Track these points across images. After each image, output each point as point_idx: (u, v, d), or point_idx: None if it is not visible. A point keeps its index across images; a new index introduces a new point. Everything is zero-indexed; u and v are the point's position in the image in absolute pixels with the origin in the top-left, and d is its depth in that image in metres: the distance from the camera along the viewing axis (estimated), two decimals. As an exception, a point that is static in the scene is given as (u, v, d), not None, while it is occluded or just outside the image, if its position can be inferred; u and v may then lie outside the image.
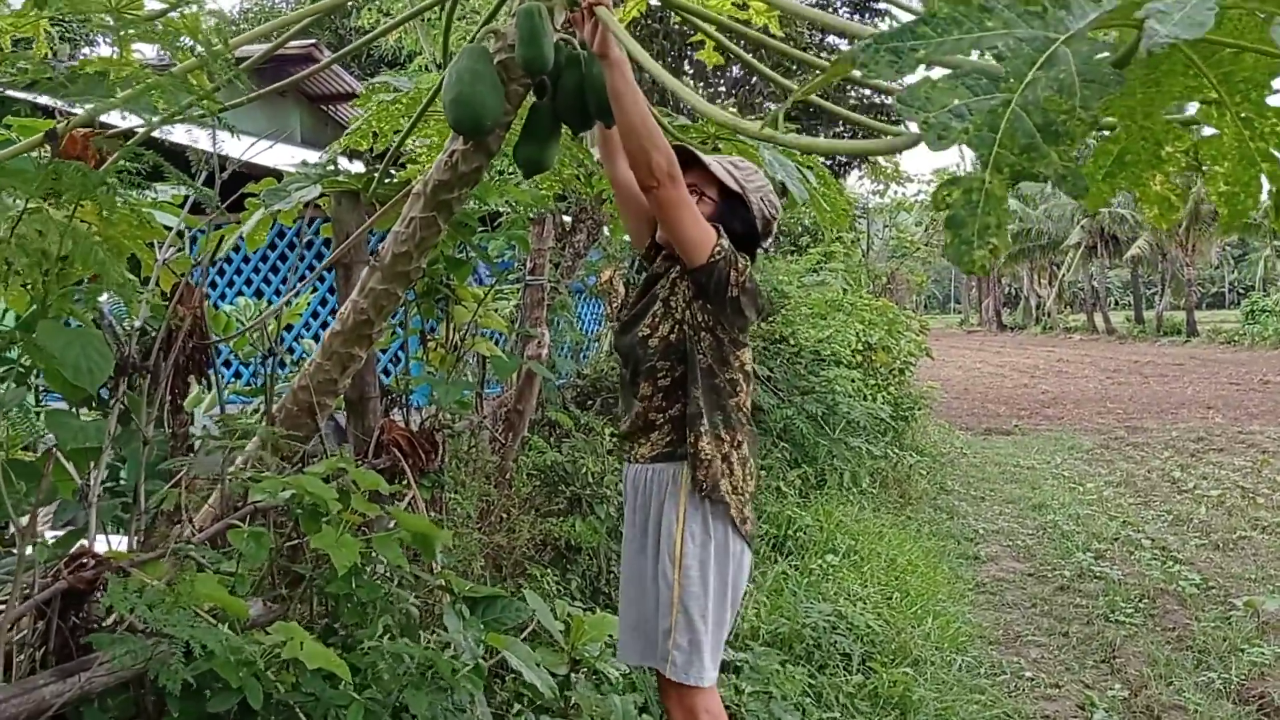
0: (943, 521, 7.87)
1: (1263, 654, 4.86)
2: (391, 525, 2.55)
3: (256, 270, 7.15)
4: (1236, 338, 33.75)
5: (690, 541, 2.41)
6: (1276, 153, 1.25)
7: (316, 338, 6.17)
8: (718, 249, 2.37)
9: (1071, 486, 9.50)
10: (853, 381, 8.41)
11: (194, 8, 2.59)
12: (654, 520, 2.48)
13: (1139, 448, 11.90)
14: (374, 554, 2.40)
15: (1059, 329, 45.04)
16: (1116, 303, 54.46)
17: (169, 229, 2.74)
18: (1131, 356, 29.93)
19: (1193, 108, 1.44)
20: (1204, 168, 1.33)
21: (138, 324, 2.33)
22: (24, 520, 1.99)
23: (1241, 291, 52.14)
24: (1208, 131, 1.33)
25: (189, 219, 2.84)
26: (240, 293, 7.01)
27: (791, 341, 7.64)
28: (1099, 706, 4.32)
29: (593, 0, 2.05)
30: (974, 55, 1.08)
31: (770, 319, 7.04)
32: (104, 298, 2.32)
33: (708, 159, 2.50)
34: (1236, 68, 1.23)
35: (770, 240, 2.73)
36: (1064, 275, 45.19)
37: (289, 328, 6.02)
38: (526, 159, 2.36)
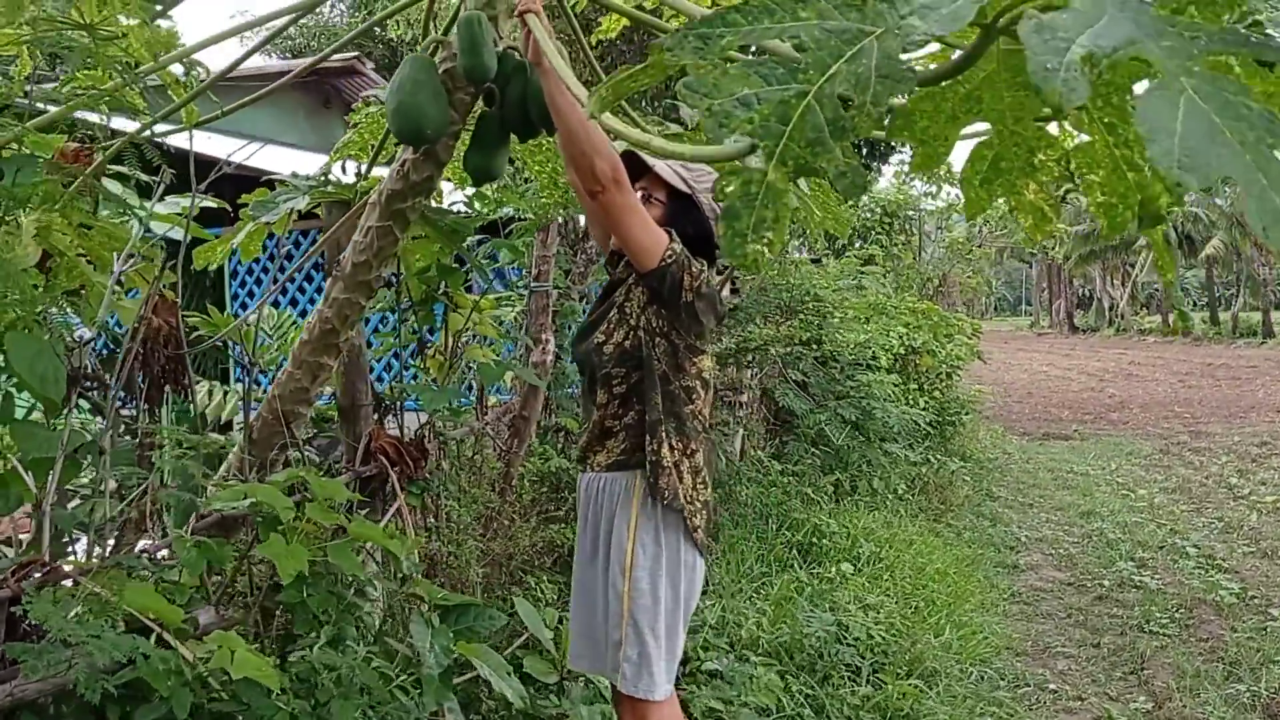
0: (984, 529, 7.70)
1: (1297, 667, 4.68)
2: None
3: (293, 279, 7.26)
4: (1317, 338, 32.63)
5: (641, 553, 2.38)
6: (1141, 161, 1.19)
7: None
8: (669, 253, 2.34)
9: (1124, 493, 9.24)
10: (892, 386, 8.28)
11: (166, 24, 2.64)
12: (605, 529, 2.45)
13: (1200, 453, 11.55)
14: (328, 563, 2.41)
15: (1132, 331, 43.95)
16: (1194, 303, 52.92)
17: (147, 235, 2.79)
18: (1205, 359, 29.06)
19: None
20: (1077, 177, 1.26)
21: (87, 334, 2.36)
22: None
23: (1326, 290, 50.37)
24: (1082, 138, 1.27)
25: (194, 229, 2.90)
26: (276, 302, 7.13)
27: (826, 344, 7.54)
28: (1117, 719, 4.19)
29: (523, 8, 2.04)
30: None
31: (792, 320, 6.95)
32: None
33: (654, 161, 2.47)
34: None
35: None
36: (1137, 276, 44.09)
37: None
38: (475, 168, 2.36)
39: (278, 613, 2.51)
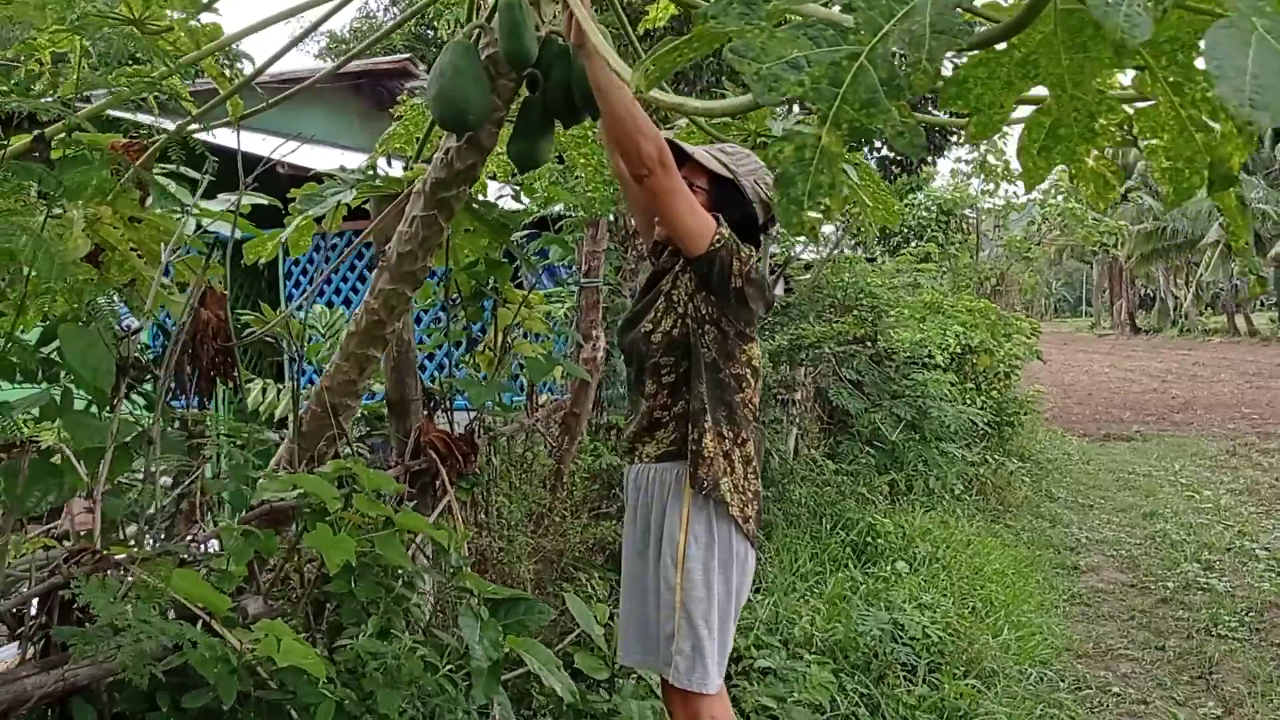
0: (1043, 530, 7.55)
1: (1375, 673, 4.51)
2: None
3: (346, 279, 7.33)
4: (1392, 337, 31.64)
5: (694, 544, 2.34)
6: (1210, 121, 1.13)
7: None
8: (717, 237, 2.30)
9: (1189, 494, 9.01)
10: (949, 385, 8.15)
11: (211, 17, 2.66)
12: (656, 521, 2.41)
13: (1268, 454, 11.23)
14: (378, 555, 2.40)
15: (1197, 331, 42.96)
16: (1262, 304, 51.64)
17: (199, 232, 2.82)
18: (1274, 359, 28.32)
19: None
20: (1141, 142, 1.21)
21: (135, 324, 2.38)
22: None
23: (1401, 288, 48.82)
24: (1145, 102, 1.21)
25: (242, 224, 2.92)
26: (330, 302, 7.20)
27: (881, 341, 7.44)
28: (1185, 726, 4.07)
29: None
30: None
31: (845, 317, 6.87)
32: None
33: (693, 149, 2.43)
34: (1160, 27, 1.11)
35: (776, 225, 2.64)
36: (1201, 275, 43.07)
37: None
38: (518, 154, 2.34)
39: (328, 605, 2.51)
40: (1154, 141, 1.21)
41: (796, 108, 2.69)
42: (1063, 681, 4.53)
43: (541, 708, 3.28)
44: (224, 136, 3.13)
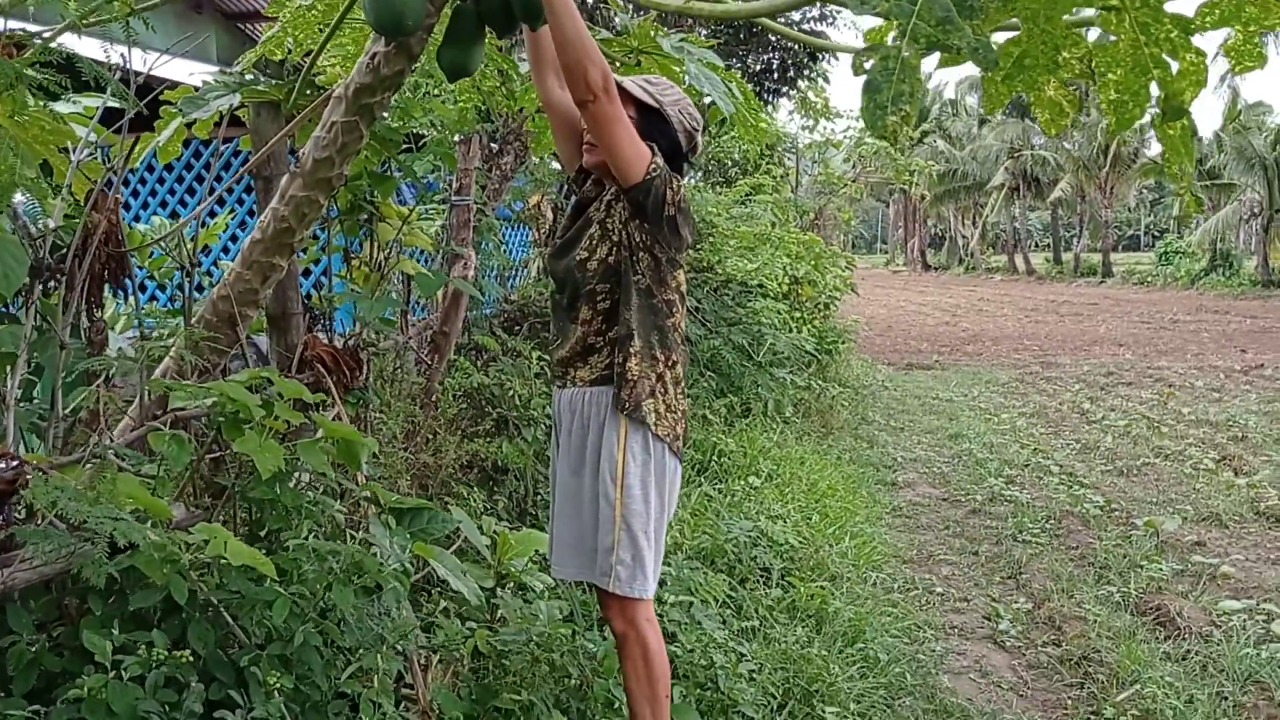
0: (863, 450, 8.07)
1: (1160, 570, 5.11)
2: (318, 434, 2.56)
3: (172, 191, 6.97)
4: (1150, 279, 34.79)
5: (632, 461, 2.45)
6: (1169, 59, 1.31)
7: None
8: (653, 166, 2.37)
9: (987, 417, 9.78)
10: (779, 314, 8.52)
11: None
12: (593, 442, 2.50)
13: (1052, 381, 12.28)
14: (299, 462, 2.41)
15: (981, 270, 45.91)
16: (1037, 244, 55.58)
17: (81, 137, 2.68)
18: (1049, 296, 30.69)
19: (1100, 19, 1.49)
20: (1096, 75, 1.38)
21: (52, 224, 2.27)
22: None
23: (1157, 235, 53.56)
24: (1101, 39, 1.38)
25: (98, 129, 2.78)
26: (155, 214, 6.83)
27: (719, 271, 7.69)
28: (1004, 617, 4.52)
29: None
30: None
31: (698, 247, 7.07)
32: (18, 199, 2.26)
33: (620, 79, 2.49)
34: (1137, -30, 1.28)
35: (697, 154, 2.74)
36: (987, 216, 45.97)
37: (207, 250, 5.88)
38: (450, 62, 2.34)
39: (241, 512, 2.50)
40: (1109, 75, 1.38)
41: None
42: (895, 583, 4.94)
43: (431, 613, 3.35)
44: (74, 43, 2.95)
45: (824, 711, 3.25)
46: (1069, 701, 3.75)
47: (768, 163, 12.05)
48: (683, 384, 2.57)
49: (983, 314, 24.65)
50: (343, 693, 2.12)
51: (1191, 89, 1.29)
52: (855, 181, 13.58)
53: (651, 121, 2.50)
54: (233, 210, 6.25)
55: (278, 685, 1.93)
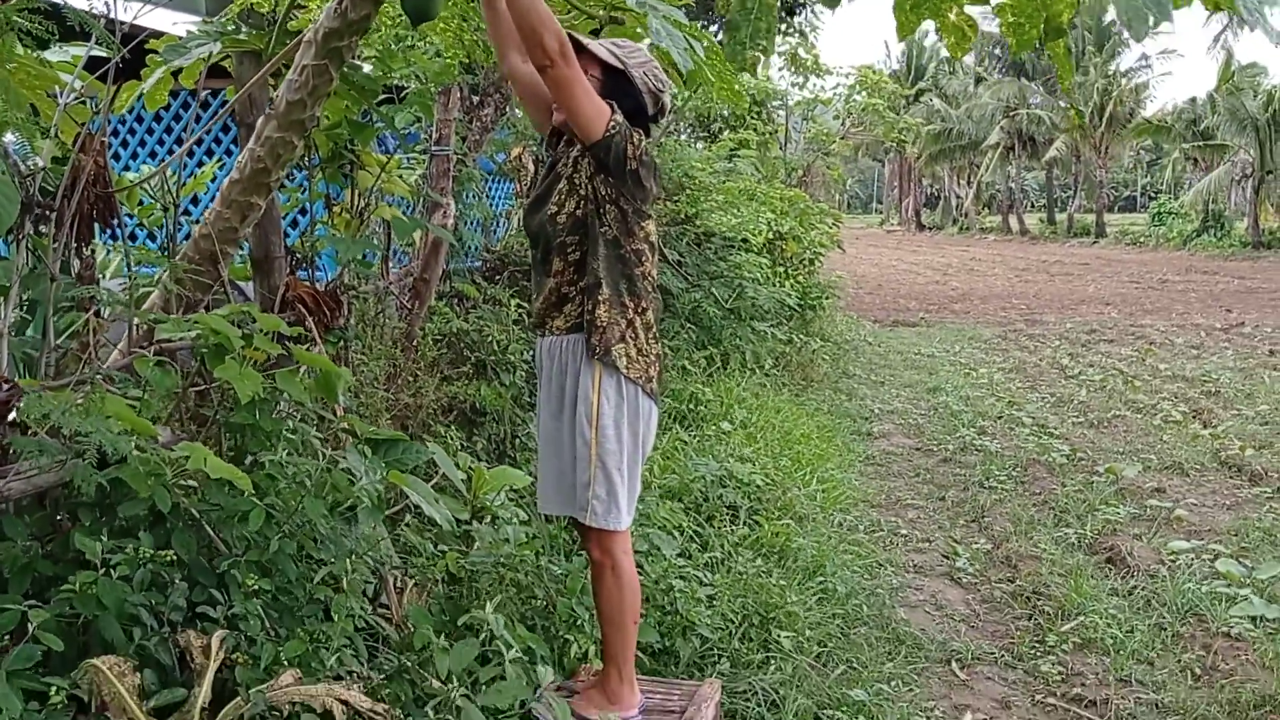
0: (841, 402, 8.26)
1: (1117, 513, 5.31)
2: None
3: (161, 142, 7.07)
4: (1142, 239, 34.92)
5: (605, 403, 2.62)
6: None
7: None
8: (613, 123, 2.52)
9: (967, 372, 9.97)
10: (761, 268, 8.66)
11: None
12: (570, 387, 2.68)
13: (1034, 339, 12.47)
14: (279, 393, 2.56)
15: (975, 229, 45.95)
16: (1033, 204, 55.53)
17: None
18: (1041, 256, 30.81)
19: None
20: (994, 2, 1.54)
21: (41, 163, 2.41)
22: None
23: (1152, 196, 53.61)
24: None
25: (84, 75, 2.90)
26: (145, 164, 6.94)
27: (699, 224, 7.81)
28: (962, 556, 4.73)
29: None
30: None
31: (675, 199, 7.19)
32: (9, 138, 2.39)
33: (588, 41, 2.62)
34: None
35: (665, 116, 2.88)
36: (982, 176, 45.93)
37: (196, 200, 6.00)
38: (414, 6, 2.46)
39: (232, 436, 2.66)
40: (1006, 2, 1.55)
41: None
42: (860, 525, 5.13)
43: (406, 542, 3.52)
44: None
45: (779, 636, 3.44)
46: (1016, 632, 3.95)
47: (756, 119, 12.11)
48: (654, 329, 2.73)
49: (973, 273, 24.80)
50: (317, 598, 2.29)
51: (1068, 10, 1.44)
52: (843, 139, 13.64)
53: (617, 83, 2.65)
54: (221, 161, 6.36)
55: (255, 587, 2.10)
